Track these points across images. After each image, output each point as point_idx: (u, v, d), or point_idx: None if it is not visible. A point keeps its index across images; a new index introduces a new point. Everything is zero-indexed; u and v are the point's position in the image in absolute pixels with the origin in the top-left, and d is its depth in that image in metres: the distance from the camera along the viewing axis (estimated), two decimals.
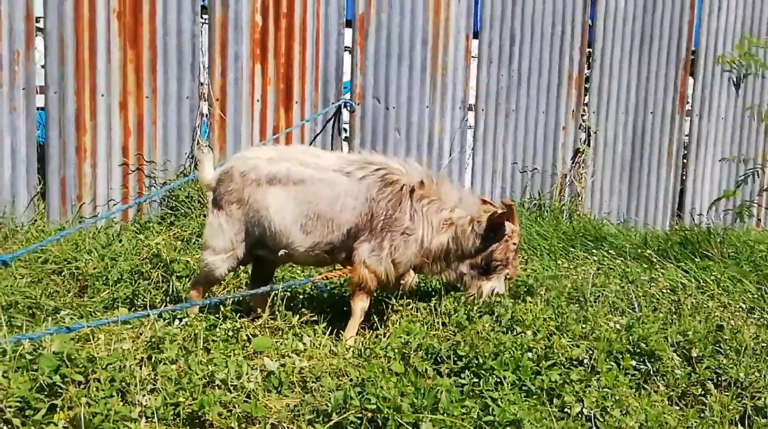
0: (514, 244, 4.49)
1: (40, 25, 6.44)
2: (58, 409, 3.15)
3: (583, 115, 8.75)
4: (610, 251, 6.27)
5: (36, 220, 6.37)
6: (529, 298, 4.52)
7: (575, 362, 3.76)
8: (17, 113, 6.29)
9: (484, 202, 4.57)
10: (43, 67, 6.47)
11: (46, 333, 3.52)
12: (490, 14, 8.18)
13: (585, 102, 8.77)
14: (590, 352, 3.83)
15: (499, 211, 4.38)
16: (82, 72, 6.49)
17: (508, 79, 8.35)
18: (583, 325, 4.20)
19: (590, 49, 8.67)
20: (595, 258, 5.85)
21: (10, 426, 3.08)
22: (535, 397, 3.45)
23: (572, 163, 8.76)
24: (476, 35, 8.18)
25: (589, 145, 8.80)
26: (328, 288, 5.11)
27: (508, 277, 4.55)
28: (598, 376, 3.62)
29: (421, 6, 7.78)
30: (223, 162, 5.55)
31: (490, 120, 8.34)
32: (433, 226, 4.36)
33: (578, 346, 3.86)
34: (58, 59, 6.40)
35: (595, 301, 4.79)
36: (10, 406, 3.13)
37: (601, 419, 3.24)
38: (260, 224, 4.39)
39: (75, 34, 6.43)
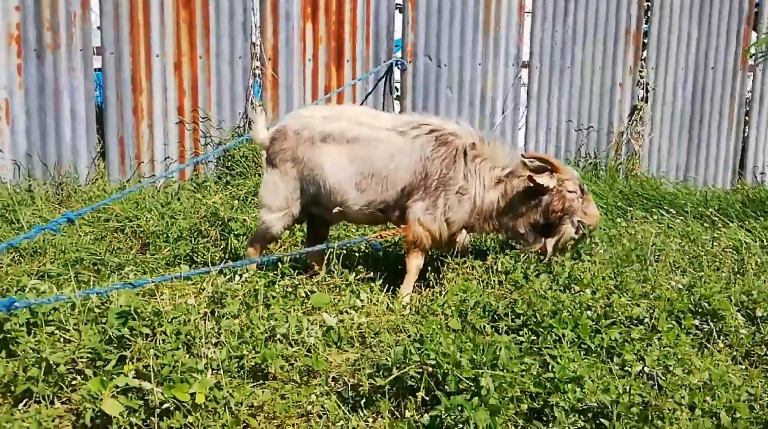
0: (571, 191, 4.38)
1: None
2: (127, 360, 3.25)
3: (640, 71, 8.51)
4: (669, 210, 6.15)
5: (97, 179, 6.51)
6: (587, 258, 4.47)
7: (635, 321, 3.73)
8: (75, 74, 6.40)
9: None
10: (99, 28, 6.54)
11: (113, 288, 3.61)
12: None
13: (643, 57, 8.53)
14: (651, 311, 3.78)
15: (535, 164, 4.34)
16: (137, 33, 6.55)
17: (562, 35, 8.16)
18: (643, 285, 4.15)
19: (648, 3, 8.40)
20: (655, 217, 5.74)
21: (82, 376, 3.20)
22: (594, 355, 3.44)
23: (629, 120, 8.56)
24: None
25: (646, 101, 8.57)
26: (383, 246, 5.13)
27: (582, 223, 4.42)
28: (659, 335, 3.58)
29: None
30: (277, 121, 5.57)
31: (545, 77, 8.18)
32: (485, 184, 4.38)
33: (638, 306, 3.81)
34: (113, 21, 6.47)
35: (655, 261, 4.71)
36: (82, 357, 3.24)
37: (663, 378, 3.20)
38: (315, 182, 4.42)
39: None
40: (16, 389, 3.14)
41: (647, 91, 8.54)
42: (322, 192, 4.44)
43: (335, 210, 4.44)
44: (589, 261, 4.43)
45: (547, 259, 4.41)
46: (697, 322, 3.79)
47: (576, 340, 3.51)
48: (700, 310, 3.90)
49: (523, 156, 4.44)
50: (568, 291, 4.07)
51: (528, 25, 8.10)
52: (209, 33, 6.81)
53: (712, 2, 8.55)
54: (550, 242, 4.41)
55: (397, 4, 7.59)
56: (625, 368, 3.34)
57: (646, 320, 3.73)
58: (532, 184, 4.30)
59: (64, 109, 6.39)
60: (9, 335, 3.38)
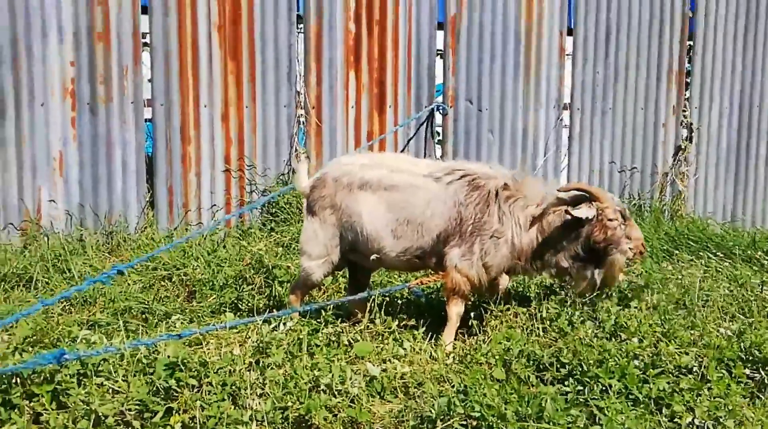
0: (611, 219, 4.27)
1: (146, 40, 6.73)
2: (174, 412, 3.30)
3: (684, 111, 8.45)
4: (717, 253, 6.04)
5: (146, 228, 6.67)
6: (633, 304, 4.41)
7: (684, 370, 3.65)
8: (127, 126, 6.61)
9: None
10: (149, 80, 6.76)
11: (160, 339, 3.68)
12: (584, 9, 8.03)
13: (686, 97, 8.47)
14: (700, 359, 3.70)
15: (572, 194, 4.30)
16: (186, 84, 6.75)
17: (604, 76, 8.17)
18: (692, 332, 4.07)
19: (690, 42, 8.38)
20: (701, 261, 5.65)
21: (131, 427, 3.25)
22: (642, 406, 3.37)
23: (673, 160, 8.48)
24: (570, 32, 8.03)
25: (691, 141, 8.50)
26: (425, 293, 5.14)
27: (629, 252, 4.31)
28: (708, 384, 3.50)
29: (513, 5, 7.71)
30: (320, 168, 5.66)
31: (586, 118, 8.18)
32: (521, 224, 4.33)
33: (687, 354, 3.74)
34: (163, 73, 6.68)
35: (703, 306, 4.62)
36: (130, 409, 3.30)
37: None
38: (353, 229, 4.48)
39: (179, 48, 6.70)
40: None
41: (691, 131, 8.47)
42: (360, 239, 4.48)
43: (372, 257, 4.48)
44: (635, 307, 4.36)
45: (596, 293, 4.33)
46: (748, 371, 3.69)
47: (623, 390, 3.45)
48: (751, 357, 3.80)
49: (559, 190, 4.41)
50: (614, 339, 4.01)
51: (569, 67, 8.13)
52: (255, 83, 6.98)
53: (756, 40, 8.49)
54: (599, 273, 4.33)
55: (438, 50, 7.70)
56: (675, 420, 3.27)
57: (695, 369, 3.65)
58: (570, 217, 4.24)
59: (115, 161, 6.59)
60: (60, 387, 3.46)
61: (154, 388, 3.41)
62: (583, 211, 4.21)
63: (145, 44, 6.75)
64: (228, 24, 6.83)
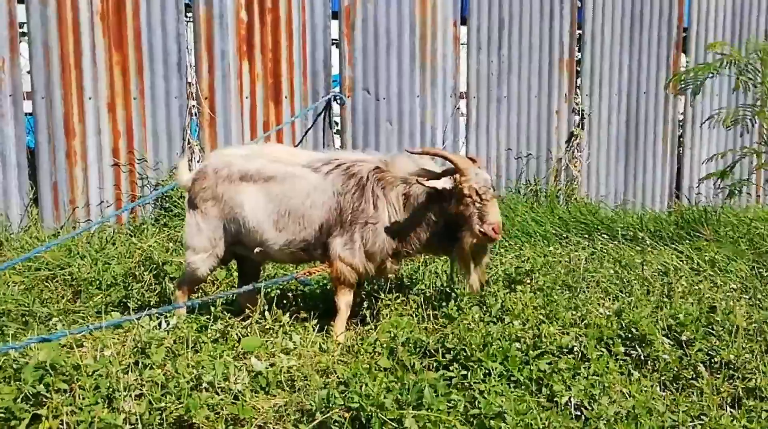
0: (466, 195, 4.06)
1: (24, 30, 6.40)
2: (42, 419, 3.15)
3: (575, 99, 8.68)
4: (604, 235, 6.23)
5: (30, 226, 6.37)
6: (519, 287, 4.49)
7: (565, 350, 3.74)
8: (6, 120, 6.29)
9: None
10: (29, 72, 6.44)
11: (28, 343, 3.51)
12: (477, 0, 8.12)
13: (577, 85, 8.70)
14: (580, 339, 3.80)
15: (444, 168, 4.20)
16: (69, 76, 6.47)
17: (498, 65, 8.29)
18: (574, 312, 4.17)
19: (580, 31, 8.60)
20: (588, 243, 5.81)
21: None
22: (523, 387, 3.43)
23: (567, 147, 8.70)
24: (464, 21, 8.11)
25: (583, 128, 8.73)
26: (312, 283, 5.06)
27: (477, 234, 4.07)
28: (588, 363, 3.59)
29: None
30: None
31: (482, 107, 8.29)
32: (395, 205, 4.25)
33: (568, 334, 3.83)
34: (43, 64, 6.38)
35: (587, 287, 4.75)
36: None
37: (589, 407, 3.21)
38: (236, 221, 4.39)
39: (59, 39, 6.41)
40: None
41: (583, 118, 8.71)
42: (243, 231, 4.40)
43: (256, 250, 4.40)
44: (521, 290, 4.44)
45: (464, 278, 4.27)
46: (624, 348, 3.81)
47: (505, 372, 3.50)
48: (629, 335, 3.93)
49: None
50: (500, 322, 4.07)
51: (464, 57, 8.21)
52: (143, 73, 6.76)
53: (642, 29, 8.78)
54: (455, 254, 4.25)
55: (333, 39, 7.63)
56: (554, 399, 3.34)
57: (576, 348, 3.75)
58: (429, 190, 4.12)
59: None
60: None
61: (22, 395, 3.25)
62: (438, 183, 4.07)
63: (23, 34, 6.42)
64: (111, 12, 6.58)
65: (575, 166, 8.66)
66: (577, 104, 8.67)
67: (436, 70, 7.97)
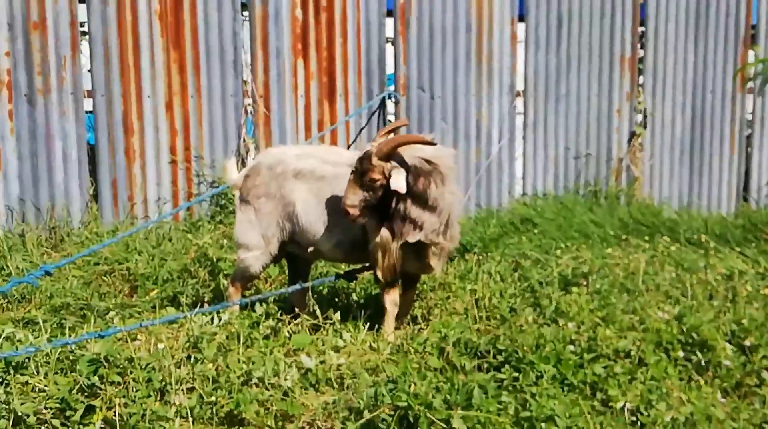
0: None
1: (85, 29, 6.55)
2: (96, 409, 3.20)
3: (637, 97, 8.46)
4: (666, 238, 6.04)
5: (90, 222, 6.51)
6: (574, 289, 4.38)
7: (621, 354, 3.62)
8: (67, 117, 6.44)
9: None
10: (89, 71, 6.59)
11: (82, 338, 3.57)
12: None
13: (639, 83, 8.47)
14: (637, 343, 3.67)
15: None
16: (128, 74, 6.60)
17: (557, 63, 8.12)
18: (632, 316, 4.04)
19: (643, 28, 8.37)
20: (649, 245, 5.63)
21: (50, 427, 3.14)
22: (577, 391, 3.33)
23: (628, 146, 8.49)
24: (521, 18, 7.98)
25: (645, 127, 8.50)
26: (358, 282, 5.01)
27: None
28: (645, 368, 3.47)
29: None
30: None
31: (540, 105, 8.14)
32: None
33: (625, 338, 3.71)
34: (103, 63, 6.52)
35: (646, 291, 4.60)
36: (50, 408, 3.19)
37: (645, 413, 3.09)
38: (289, 219, 4.38)
39: (119, 38, 6.54)
40: None
41: (645, 117, 8.48)
42: (296, 230, 4.38)
43: (309, 249, 4.38)
44: (576, 292, 4.33)
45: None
46: (684, 353, 3.67)
47: (558, 375, 3.41)
48: (689, 341, 3.78)
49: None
50: (554, 324, 3.98)
51: (521, 54, 8.08)
52: (200, 72, 6.84)
53: (708, 25, 8.50)
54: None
55: (388, 38, 7.60)
56: (608, 404, 3.23)
57: (633, 352, 3.63)
58: None
59: (56, 153, 6.42)
60: None
61: (78, 386, 3.31)
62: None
63: (84, 33, 6.57)
64: (169, 12, 6.67)
65: (637, 167, 8.43)
66: (639, 103, 8.44)
67: (493, 68, 7.87)
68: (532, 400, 3.11)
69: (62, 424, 3.16)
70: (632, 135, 8.48)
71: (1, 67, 6.20)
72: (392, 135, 4.14)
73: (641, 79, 8.46)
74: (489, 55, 7.82)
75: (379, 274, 4.15)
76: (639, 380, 3.35)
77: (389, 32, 7.57)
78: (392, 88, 7.65)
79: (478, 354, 3.71)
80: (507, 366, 3.51)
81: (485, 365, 3.61)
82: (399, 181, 3.87)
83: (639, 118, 8.50)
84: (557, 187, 8.21)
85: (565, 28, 8.10)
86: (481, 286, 4.66)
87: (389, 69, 7.64)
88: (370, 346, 4.06)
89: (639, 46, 8.37)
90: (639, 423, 3.05)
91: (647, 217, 7.23)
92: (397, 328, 4.31)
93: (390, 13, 7.48)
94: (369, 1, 7.32)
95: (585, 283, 4.51)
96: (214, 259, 5.54)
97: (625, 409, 3.13)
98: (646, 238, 6.04)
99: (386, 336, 4.19)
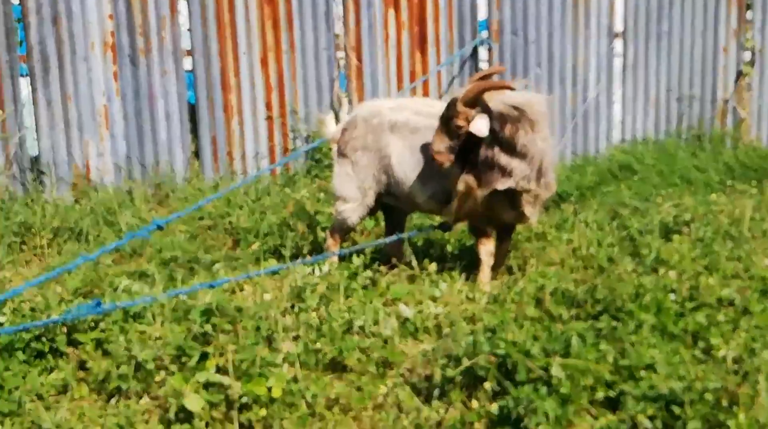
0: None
1: None
2: (209, 356, 3.39)
3: (745, 34, 8.01)
4: None
5: (192, 178, 6.77)
6: (676, 237, 4.27)
7: (725, 304, 3.54)
8: (168, 77, 6.67)
9: None
10: (188, 30, 6.77)
11: (194, 288, 3.76)
12: None
13: (747, 19, 8.01)
14: (742, 291, 3.57)
15: None
16: (224, 32, 6.75)
17: (658, 0, 7.78)
18: (736, 263, 3.93)
19: None
20: (756, 190, 5.41)
21: (168, 372, 3.36)
22: (677, 340, 3.29)
23: (735, 86, 8.10)
24: None
25: (753, 66, 8.07)
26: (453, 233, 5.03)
27: None
28: (749, 317, 3.38)
29: None
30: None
31: (640, 46, 7.84)
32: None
33: (728, 286, 3.62)
34: (200, 22, 6.69)
35: (752, 238, 4.44)
36: (168, 354, 3.40)
37: (749, 360, 3.03)
38: (385, 171, 4.45)
39: None
40: (109, 385, 3.34)
41: (753, 55, 8.03)
42: (392, 182, 4.45)
43: (404, 201, 4.44)
44: (678, 240, 4.23)
45: None
46: None
47: (658, 325, 3.37)
48: None
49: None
50: (654, 273, 3.91)
51: None
52: (293, 27, 6.92)
53: None
54: None
55: None
56: (710, 353, 3.18)
57: (737, 301, 3.53)
58: None
59: (158, 112, 6.68)
60: (103, 334, 3.60)
61: (191, 334, 3.50)
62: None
63: None
64: None
65: (744, 108, 8.04)
66: (747, 40, 7.99)
67: (590, 8, 7.61)
68: (631, 348, 3.09)
69: (179, 370, 3.35)
70: (739, 74, 8.10)
71: (105, 29, 6.45)
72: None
73: (749, 15, 8.01)
74: None
75: (453, 219, 4.16)
76: (742, 329, 3.28)
77: None
78: (485, 34, 7.52)
79: (576, 304, 3.69)
80: (605, 315, 3.48)
81: (583, 315, 3.60)
82: (479, 125, 3.86)
83: (747, 55, 8.07)
84: (658, 131, 7.94)
85: None
86: (577, 236, 4.61)
87: (481, 15, 7.51)
88: (467, 297, 4.10)
89: None
90: (741, 371, 2.99)
91: (754, 160, 6.94)
92: (492, 278, 4.34)
93: None
94: None
95: (687, 231, 4.39)
96: (312, 213, 5.67)
97: (728, 358, 3.07)
98: (753, 182, 5.79)
99: (482, 286, 4.23)
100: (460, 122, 3.94)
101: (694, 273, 3.78)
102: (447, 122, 3.99)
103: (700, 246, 4.18)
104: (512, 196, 4.07)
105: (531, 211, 4.13)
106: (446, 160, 4.03)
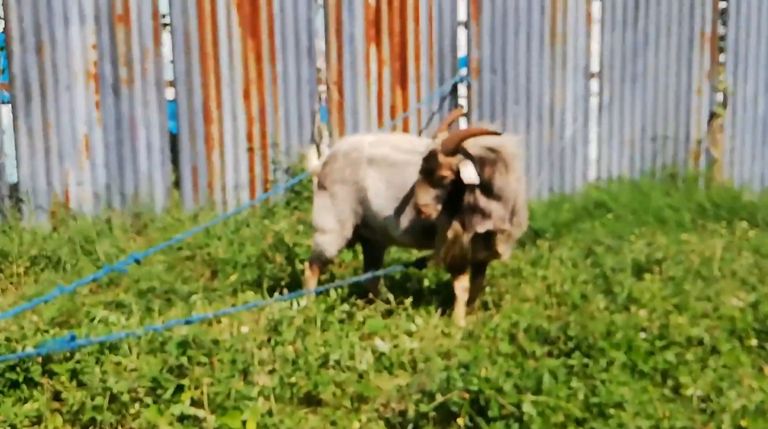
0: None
1: (166, 21, 6.79)
2: (184, 388, 3.40)
3: (718, 76, 8.22)
4: (745, 223, 5.91)
5: (171, 208, 6.78)
6: (647, 276, 4.36)
7: (694, 342, 3.61)
8: (150, 107, 6.70)
9: None
10: (171, 62, 6.83)
11: (170, 324, 3.77)
12: None
13: (720, 61, 8.23)
14: (711, 331, 3.65)
15: None
16: (207, 64, 6.81)
17: (633, 42, 7.97)
18: (706, 303, 4.01)
19: (724, 4, 8.12)
20: (727, 231, 5.53)
21: (143, 404, 3.36)
22: (647, 378, 3.36)
23: (708, 127, 8.28)
24: None
25: (725, 107, 8.27)
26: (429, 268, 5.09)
27: None
28: (717, 356, 3.46)
29: None
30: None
31: (616, 86, 8.01)
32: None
33: (698, 325, 3.70)
34: (184, 53, 6.75)
35: (722, 277, 4.54)
36: (143, 386, 3.41)
37: (716, 400, 3.09)
38: (362, 203, 4.53)
39: (198, 28, 6.74)
40: (83, 417, 3.34)
41: (726, 96, 8.24)
42: (369, 214, 4.52)
43: (380, 234, 4.51)
44: (649, 279, 4.32)
45: None
46: (756, 342, 3.63)
47: (629, 363, 3.44)
48: (764, 329, 3.74)
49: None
50: (625, 311, 3.99)
51: (596, 34, 7.96)
52: (275, 60, 7.00)
53: None
54: None
55: (460, 21, 7.60)
56: (679, 392, 3.25)
57: (706, 340, 3.61)
58: None
59: (140, 142, 6.70)
60: (78, 365, 3.59)
61: (167, 366, 3.51)
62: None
63: (165, 25, 6.81)
64: (247, 1, 6.85)
65: (717, 148, 8.22)
66: (719, 82, 8.20)
67: (567, 49, 7.78)
68: (601, 386, 3.16)
69: (154, 402, 3.36)
70: (712, 115, 8.27)
71: (88, 59, 6.49)
72: (451, 128, 4.22)
73: (722, 57, 8.22)
74: (563, 35, 7.74)
75: (443, 263, 4.24)
76: (711, 368, 3.36)
77: (461, 15, 7.57)
78: (464, 71, 7.66)
79: (549, 340, 3.76)
80: (577, 352, 3.56)
81: (555, 351, 3.66)
82: (470, 173, 3.94)
83: (719, 97, 8.27)
84: (633, 170, 8.10)
85: (642, 5, 7.94)
86: (552, 273, 4.69)
87: (461, 52, 7.65)
88: (442, 332, 4.15)
89: (720, 22, 8.13)
90: (708, 410, 3.05)
91: (726, 200, 7.08)
92: (468, 313, 4.39)
93: None
94: None
95: (659, 269, 4.48)
96: (291, 245, 5.71)
97: (695, 396, 3.14)
98: (724, 223, 5.92)
99: (457, 321, 4.28)
100: (444, 173, 4.02)
101: (665, 312, 3.86)
102: (430, 174, 4.06)
103: (671, 285, 4.28)
104: (487, 236, 4.15)
105: (504, 248, 4.25)
106: (434, 211, 4.10)
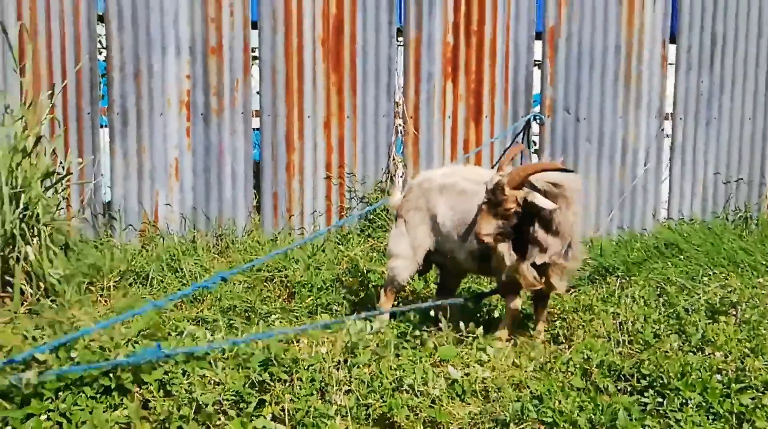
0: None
1: (255, 54, 7.13)
2: (266, 404, 3.57)
3: None
4: None
5: (252, 231, 7.06)
6: (722, 318, 4.37)
7: None
8: (237, 136, 7.03)
9: None
10: (258, 92, 7.16)
11: (254, 337, 3.95)
12: (689, 17, 7.88)
13: None
14: None
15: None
16: (291, 96, 7.12)
17: (709, 85, 7.98)
18: None
19: None
20: None
21: (227, 416, 3.54)
22: (722, 420, 3.38)
23: None
24: (672, 40, 7.89)
25: None
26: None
27: None
28: None
29: (614, 15, 7.66)
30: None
31: (689, 128, 8.01)
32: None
33: None
34: (270, 85, 7.07)
35: None
36: (228, 399, 3.59)
37: None
38: (433, 229, 4.79)
39: (285, 61, 7.06)
40: (170, 426, 3.52)
41: None
42: (438, 239, 4.78)
43: (447, 258, 4.72)
44: (724, 321, 4.32)
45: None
46: None
47: (704, 404, 3.46)
48: None
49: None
50: (699, 352, 4.01)
51: (671, 76, 7.98)
52: (356, 94, 7.26)
53: None
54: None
55: (536, 60, 7.74)
56: None
57: None
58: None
59: (226, 168, 7.02)
60: (166, 376, 3.81)
61: (250, 381, 3.69)
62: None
63: (255, 58, 7.15)
64: (331, 37, 7.14)
65: None
66: None
67: (641, 90, 7.83)
68: (676, 425, 3.20)
69: (237, 415, 3.54)
70: None
71: (182, 88, 6.86)
72: (513, 162, 4.42)
73: None
74: (638, 77, 7.79)
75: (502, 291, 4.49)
76: None
77: (537, 55, 7.70)
78: (537, 109, 7.77)
79: (622, 377, 3.81)
80: (651, 390, 3.60)
81: (628, 388, 3.70)
82: (543, 201, 4.08)
83: None
84: (704, 212, 8.05)
85: (718, 48, 7.95)
86: (624, 310, 4.72)
87: (535, 90, 7.78)
88: (513, 363, 4.23)
89: None
90: None
91: None
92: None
93: (539, 36, 7.62)
94: (518, 24, 7.50)
95: (734, 312, 4.48)
96: (364, 271, 5.90)
97: None
98: None
99: (498, 335, 4.46)
100: (510, 205, 4.17)
101: (740, 354, 3.87)
102: (495, 206, 4.21)
103: (746, 328, 4.26)
104: (541, 268, 4.30)
105: (558, 281, 4.40)
106: (495, 241, 4.26)
